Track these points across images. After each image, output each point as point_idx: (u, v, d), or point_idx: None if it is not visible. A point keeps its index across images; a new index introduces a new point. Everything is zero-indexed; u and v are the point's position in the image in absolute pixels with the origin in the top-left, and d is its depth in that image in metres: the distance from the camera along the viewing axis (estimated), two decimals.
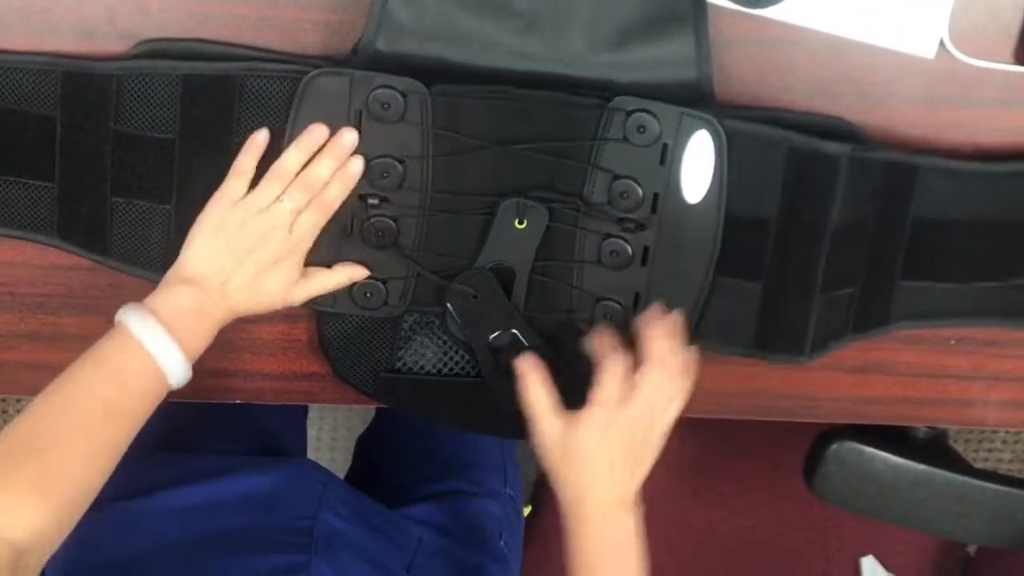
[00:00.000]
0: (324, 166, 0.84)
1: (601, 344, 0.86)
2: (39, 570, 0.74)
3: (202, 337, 0.83)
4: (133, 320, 0.80)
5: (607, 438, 0.83)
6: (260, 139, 0.84)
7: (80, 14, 0.85)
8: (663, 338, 0.85)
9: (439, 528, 1.09)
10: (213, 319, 0.83)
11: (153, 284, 0.86)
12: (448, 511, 1.12)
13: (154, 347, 0.79)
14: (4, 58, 0.84)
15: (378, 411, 1.35)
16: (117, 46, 0.85)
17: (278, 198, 0.83)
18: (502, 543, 1.12)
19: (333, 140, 0.85)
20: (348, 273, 0.89)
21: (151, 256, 0.89)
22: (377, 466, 1.25)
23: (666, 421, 0.86)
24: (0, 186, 0.87)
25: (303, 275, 0.87)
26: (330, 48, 0.87)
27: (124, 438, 0.79)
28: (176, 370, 0.81)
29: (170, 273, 0.84)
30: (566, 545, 0.86)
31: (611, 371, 0.83)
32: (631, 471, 0.85)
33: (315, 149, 0.84)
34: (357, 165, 0.85)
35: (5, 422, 2.05)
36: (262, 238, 0.83)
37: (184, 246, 0.84)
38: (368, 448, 1.32)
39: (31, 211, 0.88)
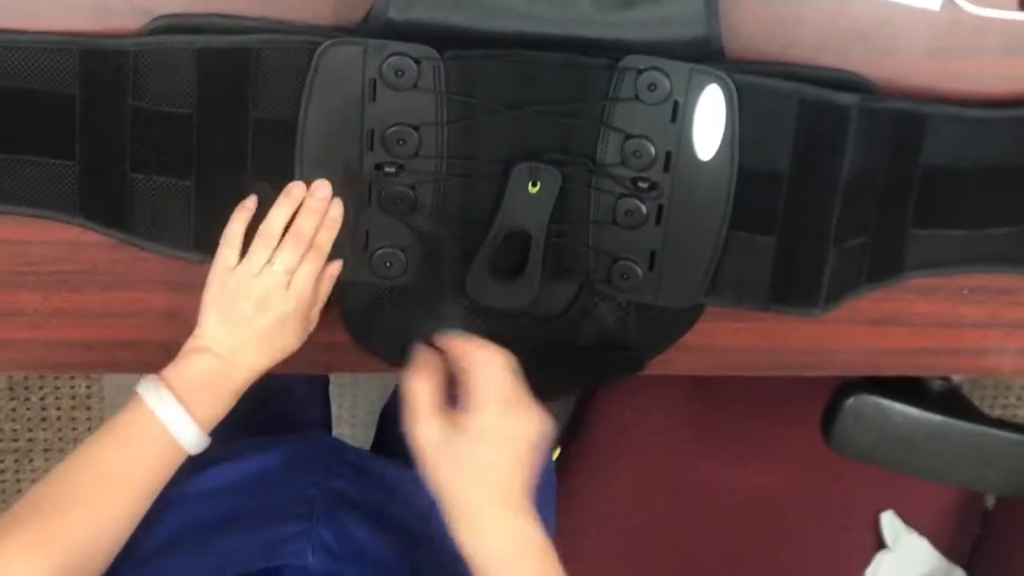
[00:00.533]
0: (306, 221, 0.87)
1: (455, 346, 0.83)
2: None
3: (219, 403, 0.86)
4: (148, 392, 0.83)
5: (502, 437, 0.80)
6: (250, 204, 0.87)
7: None
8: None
9: None
10: (230, 384, 0.86)
11: (175, 260, 0.87)
12: None
13: (167, 417, 0.83)
14: (21, 38, 0.85)
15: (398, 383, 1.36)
16: (132, 23, 0.86)
17: (269, 261, 0.85)
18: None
19: (309, 194, 0.87)
20: (331, 275, 0.91)
21: (173, 232, 0.90)
22: (401, 435, 1.26)
23: (539, 422, 0.82)
24: (21, 166, 0.88)
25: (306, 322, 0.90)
26: (341, 18, 0.88)
27: (134, 505, 0.83)
28: (189, 438, 0.84)
29: (187, 343, 0.87)
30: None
31: (486, 364, 0.81)
32: (521, 473, 0.81)
33: (296, 206, 0.87)
34: (337, 210, 0.88)
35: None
36: (260, 303, 0.85)
37: (199, 315, 0.87)
38: (392, 419, 1.33)
39: (53, 190, 0.89)
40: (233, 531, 0.90)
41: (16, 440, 2.09)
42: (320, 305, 0.91)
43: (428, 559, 0.91)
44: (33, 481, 2.06)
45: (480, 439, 0.80)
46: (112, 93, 0.86)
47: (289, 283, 0.86)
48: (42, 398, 2.07)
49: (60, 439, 2.09)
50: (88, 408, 2.08)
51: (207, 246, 0.89)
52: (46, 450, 2.10)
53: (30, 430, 2.08)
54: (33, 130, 0.87)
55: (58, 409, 2.08)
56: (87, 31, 0.86)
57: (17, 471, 2.11)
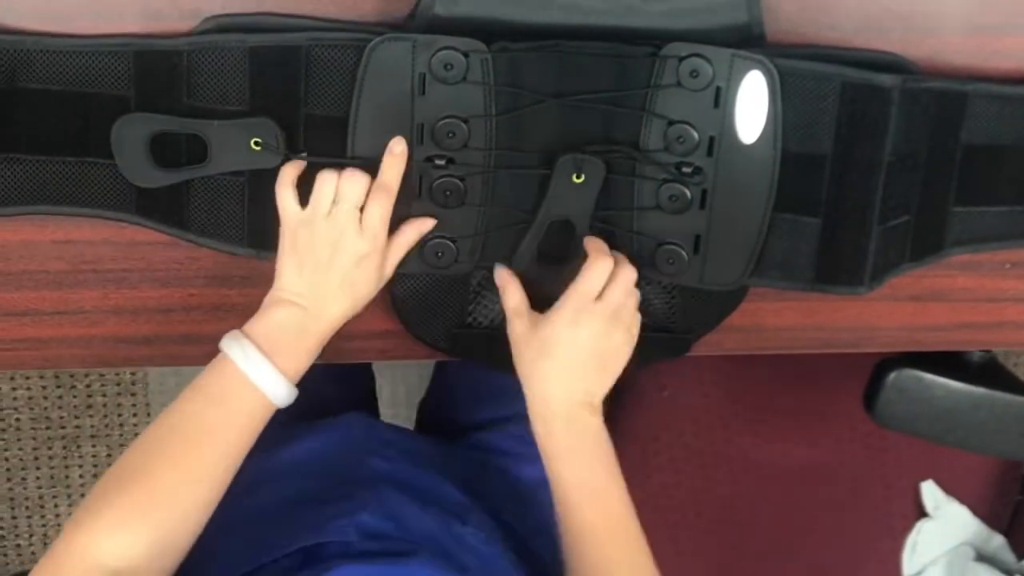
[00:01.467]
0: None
1: (592, 246, 0.90)
2: None
3: (303, 354, 0.86)
4: (231, 347, 0.84)
5: (577, 328, 0.87)
6: (292, 168, 0.87)
7: None
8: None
9: (499, 451, 1.12)
10: (314, 334, 0.86)
11: (228, 256, 0.90)
12: (507, 435, 1.14)
13: (252, 372, 0.83)
14: (76, 42, 0.87)
15: (436, 369, 1.37)
16: (181, 26, 0.88)
17: (334, 202, 0.85)
18: None
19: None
20: (417, 228, 0.91)
21: (228, 228, 0.92)
22: (441, 421, 1.28)
23: (632, 332, 0.90)
24: (79, 167, 0.90)
25: (386, 263, 0.90)
26: (386, 14, 0.89)
27: (226, 461, 0.83)
28: (275, 390, 0.84)
29: (267, 298, 0.88)
30: (541, 452, 0.90)
31: (595, 267, 0.88)
32: (597, 371, 0.89)
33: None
34: (400, 144, 0.87)
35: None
36: (335, 246, 0.85)
37: (276, 268, 0.87)
38: (431, 411, 1.34)
39: (110, 190, 0.91)
40: (281, 519, 0.92)
41: (63, 427, 2.12)
42: (395, 258, 0.90)
43: (470, 533, 0.94)
44: (81, 467, 2.12)
45: (561, 325, 0.88)
46: (167, 93, 0.88)
47: (360, 222, 0.85)
48: (88, 386, 2.10)
49: (106, 426, 2.12)
50: (133, 395, 2.11)
51: (261, 242, 0.91)
52: (93, 436, 2.13)
53: (77, 417, 2.12)
54: (89, 132, 0.89)
55: (104, 396, 2.10)
56: (137, 33, 0.88)
57: (65, 457, 2.15)
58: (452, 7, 0.86)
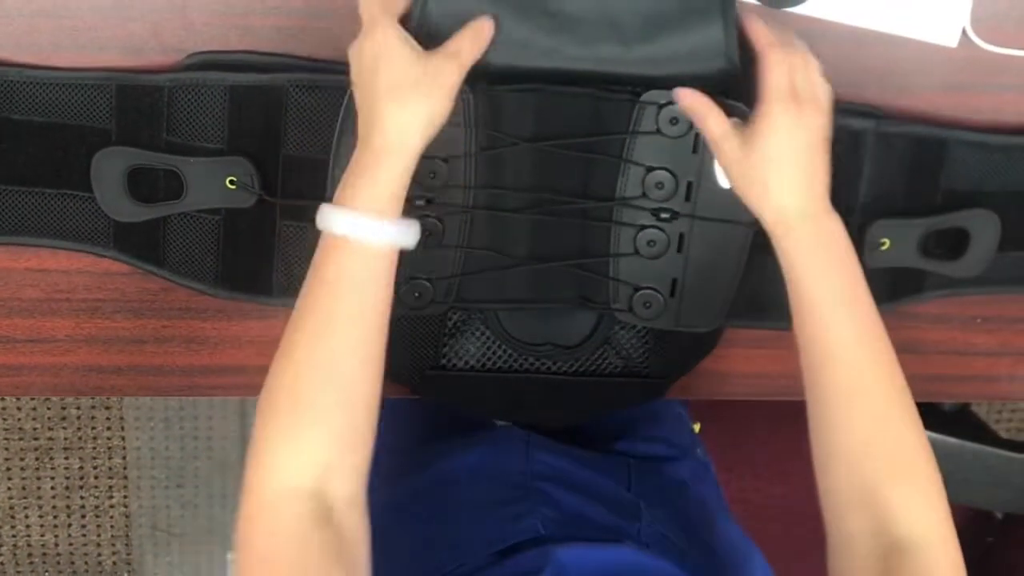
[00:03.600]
0: None
1: (758, 37, 0.83)
2: (354, 489, 0.74)
3: (382, 185, 0.78)
4: (319, 220, 0.79)
5: (795, 131, 0.80)
6: None
7: (126, 31, 0.87)
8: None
9: (645, 456, 1.09)
10: (388, 160, 0.78)
11: (206, 295, 0.91)
12: (643, 437, 1.12)
13: (341, 226, 0.77)
14: (59, 75, 0.87)
15: None
16: (163, 61, 0.88)
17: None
18: (699, 452, 1.14)
19: None
20: (476, 29, 0.84)
21: (203, 266, 0.92)
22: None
23: (828, 117, 0.82)
24: (57, 200, 0.90)
25: (438, 55, 0.80)
26: None
27: (370, 325, 0.77)
28: (373, 232, 0.77)
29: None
30: (783, 270, 0.82)
31: (776, 62, 0.80)
32: (819, 170, 0.81)
33: None
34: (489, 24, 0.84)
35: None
36: (373, 58, 0.78)
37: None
38: None
39: (88, 224, 0.91)
40: (463, 522, 0.91)
41: (36, 439, 2.12)
42: (465, 61, 0.82)
43: (646, 526, 0.92)
44: (52, 479, 2.11)
45: (774, 131, 0.80)
46: (147, 127, 0.88)
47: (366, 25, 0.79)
48: (62, 398, 2.09)
49: (79, 438, 2.12)
50: (107, 408, 2.10)
51: (231, 282, 0.92)
52: (66, 448, 2.13)
53: (50, 429, 2.11)
54: (69, 164, 0.89)
55: (77, 408, 2.10)
56: (119, 67, 0.88)
57: (37, 469, 2.14)
58: (433, 47, 0.86)
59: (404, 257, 0.83)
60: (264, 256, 0.92)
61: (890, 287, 0.99)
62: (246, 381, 0.99)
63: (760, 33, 0.83)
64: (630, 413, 1.13)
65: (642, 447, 1.11)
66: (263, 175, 0.89)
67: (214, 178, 0.88)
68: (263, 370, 0.97)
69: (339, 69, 0.87)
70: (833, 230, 0.80)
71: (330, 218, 0.77)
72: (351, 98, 0.85)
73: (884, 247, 0.94)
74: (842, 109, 0.91)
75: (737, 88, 0.89)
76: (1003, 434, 1.68)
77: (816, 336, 0.80)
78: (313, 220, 0.82)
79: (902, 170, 0.94)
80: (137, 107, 0.88)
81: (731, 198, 0.91)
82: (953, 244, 0.98)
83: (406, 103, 0.78)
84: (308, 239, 0.89)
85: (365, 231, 0.77)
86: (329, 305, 0.77)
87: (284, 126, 0.88)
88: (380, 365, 0.78)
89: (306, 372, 0.76)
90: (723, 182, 0.90)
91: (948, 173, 0.96)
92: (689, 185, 0.91)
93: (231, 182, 0.88)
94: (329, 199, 0.86)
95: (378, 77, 0.78)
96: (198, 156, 0.88)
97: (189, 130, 0.88)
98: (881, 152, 0.91)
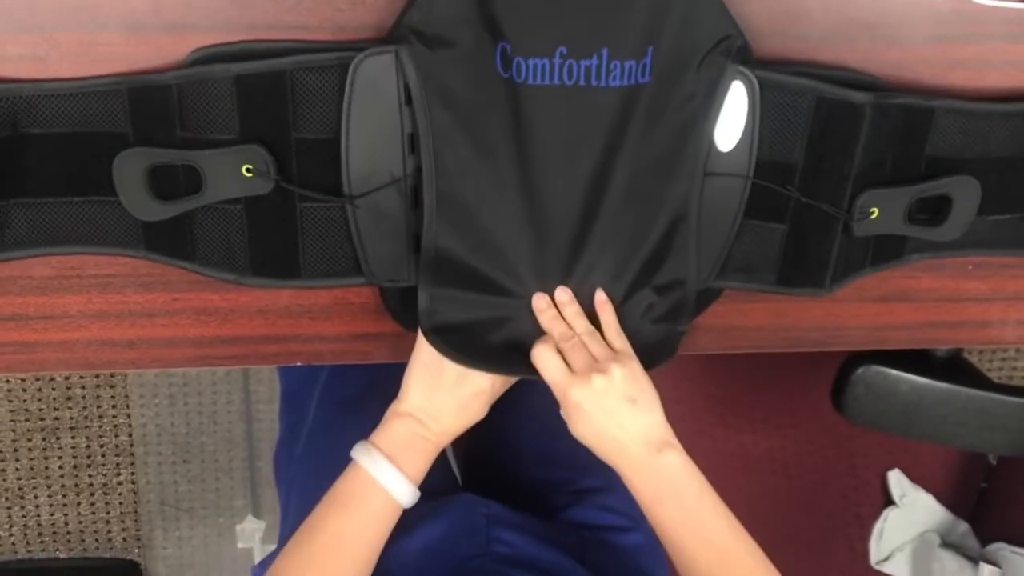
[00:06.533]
0: None
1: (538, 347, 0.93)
2: None
3: (422, 459, 0.96)
4: (361, 455, 0.94)
5: (584, 417, 0.90)
6: None
7: (128, 7, 0.88)
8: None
9: (596, 526, 1.15)
10: (430, 444, 0.96)
11: (236, 284, 0.94)
12: (597, 506, 1.17)
13: (381, 475, 0.93)
14: (71, 85, 0.87)
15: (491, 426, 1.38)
16: (164, 38, 0.89)
17: None
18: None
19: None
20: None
21: (232, 256, 0.93)
22: (505, 480, 1.29)
23: (622, 360, 0.91)
24: (85, 207, 0.91)
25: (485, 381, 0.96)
26: (367, 25, 0.90)
27: (365, 559, 0.94)
28: (402, 492, 0.94)
29: (391, 407, 0.96)
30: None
31: (542, 359, 0.91)
32: (629, 425, 0.90)
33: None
34: (544, 299, 0.95)
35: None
36: (460, 375, 0.94)
37: (404, 383, 0.96)
38: (479, 461, 1.36)
39: (118, 227, 0.91)
40: None
41: (43, 419, 2.13)
42: (502, 389, 0.98)
43: None
44: (60, 459, 2.13)
45: (570, 422, 0.91)
46: (161, 126, 0.88)
47: None
48: (67, 378, 2.10)
49: (85, 418, 2.14)
50: (112, 387, 2.12)
51: (264, 269, 0.93)
52: (72, 428, 2.14)
53: (56, 409, 2.12)
54: (92, 171, 0.89)
55: (83, 388, 2.11)
56: (119, 47, 0.89)
57: (44, 449, 2.16)
58: (428, 15, 0.87)
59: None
60: (289, 239, 0.92)
61: (875, 252, 1.01)
62: (256, 350, 1.00)
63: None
64: (583, 483, 1.19)
65: (593, 515, 1.17)
66: (278, 160, 0.89)
67: (230, 168, 0.89)
68: (272, 339, 1.00)
69: (338, 47, 0.89)
70: (659, 467, 0.90)
71: (374, 462, 0.94)
72: (355, 71, 0.87)
73: (873, 216, 0.96)
74: (845, 81, 0.93)
75: (739, 53, 0.90)
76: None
77: (677, 556, 0.91)
78: (330, 199, 0.88)
79: (892, 139, 0.95)
80: (149, 108, 0.88)
81: (730, 162, 0.93)
82: (936, 209, 1.00)
83: (466, 419, 0.96)
84: (329, 218, 0.92)
85: (400, 490, 0.94)
86: (339, 529, 0.93)
87: (293, 110, 0.88)
88: None
89: (313, 567, 0.92)
90: (723, 145, 0.92)
91: (933, 141, 0.97)
92: None
93: (247, 170, 0.89)
94: (342, 184, 0.90)
95: (454, 395, 0.95)
96: (213, 149, 0.89)
97: (201, 124, 0.88)
98: (877, 123, 0.93)
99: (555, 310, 0.93)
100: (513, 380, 0.99)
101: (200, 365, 1.01)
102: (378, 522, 0.94)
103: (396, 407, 0.96)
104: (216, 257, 0.93)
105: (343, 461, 0.96)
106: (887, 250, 1.01)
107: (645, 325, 0.95)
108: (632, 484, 0.91)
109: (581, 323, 0.93)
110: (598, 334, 0.92)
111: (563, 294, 0.93)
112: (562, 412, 0.92)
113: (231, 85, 0.88)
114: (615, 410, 0.89)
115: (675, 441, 0.91)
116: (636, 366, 0.91)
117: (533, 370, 0.93)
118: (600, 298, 0.94)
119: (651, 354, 0.95)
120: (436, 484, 1.14)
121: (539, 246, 0.92)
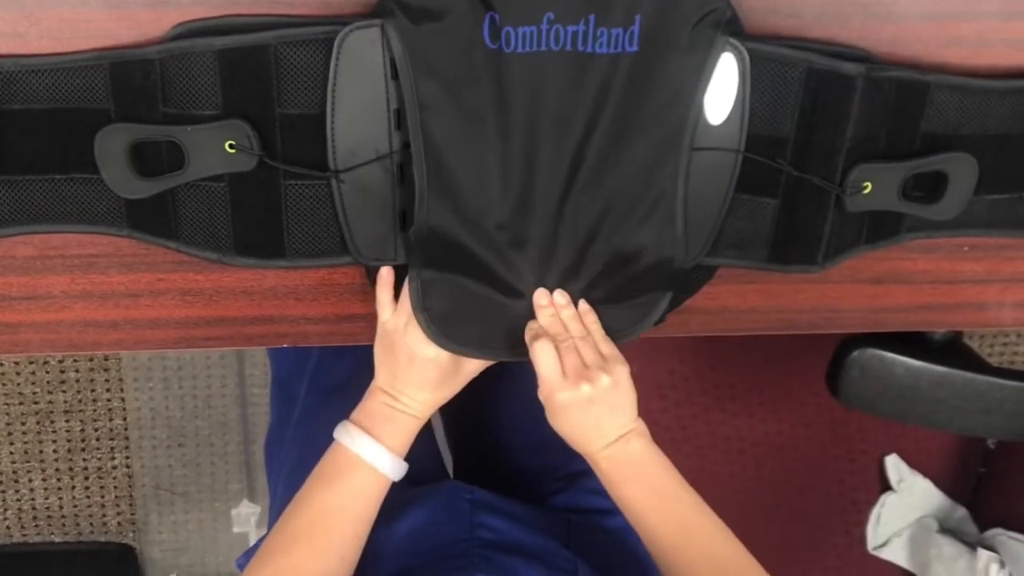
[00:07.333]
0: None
1: (527, 332, 0.94)
2: None
3: (402, 431, 0.96)
4: (341, 434, 0.95)
5: (566, 413, 0.92)
6: (385, 274, 0.94)
7: None
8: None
9: (581, 509, 1.16)
10: (407, 416, 0.96)
11: (219, 264, 0.93)
12: (585, 489, 1.19)
13: (361, 449, 0.94)
14: (53, 60, 0.86)
15: (479, 411, 1.38)
16: (146, 13, 0.87)
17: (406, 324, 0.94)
18: None
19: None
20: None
21: (215, 234, 0.92)
22: (496, 465, 1.30)
23: (608, 367, 0.92)
24: (68, 184, 0.90)
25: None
26: (352, 4, 0.88)
27: (352, 533, 0.93)
28: (382, 462, 0.94)
29: (368, 389, 0.97)
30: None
31: (541, 354, 0.91)
32: (604, 420, 0.92)
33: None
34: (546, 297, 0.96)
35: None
36: (409, 354, 0.94)
37: (375, 361, 0.97)
38: (468, 449, 1.37)
39: (100, 205, 0.90)
40: None
41: (37, 403, 2.13)
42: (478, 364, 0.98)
43: None
44: (55, 442, 2.12)
45: (551, 415, 0.93)
46: (144, 102, 0.87)
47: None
48: (60, 361, 2.10)
49: (79, 401, 2.13)
50: (106, 370, 2.11)
51: (248, 249, 0.92)
52: (66, 411, 2.14)
53: (50, 392, 2.12)
54: (74, 148, 0.88)
55: (77, 372, 2.11)
56: (100, 23, 0.87)
57: (39, 432, 2.15)
58: None
59: (407, 205, 0.91)
60: (273, 218, 0.91)
61: (869, 230, 0.99)
62: (241, 331, 1.00)
63: (529, 329, 0.94)
64: (574, 466, 1.20)
65: (582, 499, 1.18)
66: (262, 136, 0.88)
67: (213, 144, 0.88)
68: (258, 320, 0.99)
69: (323, 22, 0.87)
70: (624, 452, 0.93)
71: (352, 438, 0.94)
72: (340, 46, 0.85)
73: (866, 190, 0.95)
74: (836, 53, 0.92)
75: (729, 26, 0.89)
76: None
77: (644, 533, 0.93)
78: (314, 176, 0.88)
79: (886, 114, 0.94)
80: (131, 83, 0.87)
81: (720, 135, 0.91)
82: (932, 187, 0.99)
83: (436, 392, 0.96)
84: (314, 196, 0.91)
85: (382, 462, 0.94)
86: (325, 505, 0.93)
87: (277, 85, 0.87)
88: (351, 570, 0.93)
89: (296, 551, 0.91)
90: (713, 119, 0.91)
91: (928, 117, 0.96)
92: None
93: (230, 146, 0.88)
94: (327, 161, 0.89)
95: (411, 371, 0.94)
96: (196, 124, 0.88)
97: (184, 99, 0.87)
98: (869, 96, 0.92)
99: (554, 308, 0.94)
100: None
101: (185, 346, 1.00)
102: (362, 495, 0.94)
103: (372, 384, 0.97)
104: (199, 236, 0.92)
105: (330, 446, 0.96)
106: (882, 228, 1.00)
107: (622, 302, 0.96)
108: (599, 468, 0.94)
109: (576, 327, 0.94)
110: (591, 339, 0.93)
111: (561, 297, 0.95)
112: (543, 403, 0.93)
113: (214, 60, 0.86)
114: (596, 415, 0.92)
115: (644, 430, 0.94)
116: (622, 373, 0.92)
117: (515, 354, 0.95)
118: (584, 307, 0.95)
119: (627, 324, 0.97)
120: (423, 472, 1.14)
121: (523, 217, 0.91)
